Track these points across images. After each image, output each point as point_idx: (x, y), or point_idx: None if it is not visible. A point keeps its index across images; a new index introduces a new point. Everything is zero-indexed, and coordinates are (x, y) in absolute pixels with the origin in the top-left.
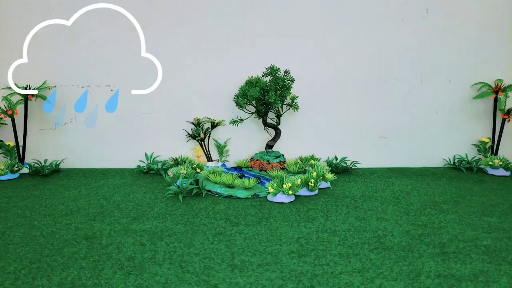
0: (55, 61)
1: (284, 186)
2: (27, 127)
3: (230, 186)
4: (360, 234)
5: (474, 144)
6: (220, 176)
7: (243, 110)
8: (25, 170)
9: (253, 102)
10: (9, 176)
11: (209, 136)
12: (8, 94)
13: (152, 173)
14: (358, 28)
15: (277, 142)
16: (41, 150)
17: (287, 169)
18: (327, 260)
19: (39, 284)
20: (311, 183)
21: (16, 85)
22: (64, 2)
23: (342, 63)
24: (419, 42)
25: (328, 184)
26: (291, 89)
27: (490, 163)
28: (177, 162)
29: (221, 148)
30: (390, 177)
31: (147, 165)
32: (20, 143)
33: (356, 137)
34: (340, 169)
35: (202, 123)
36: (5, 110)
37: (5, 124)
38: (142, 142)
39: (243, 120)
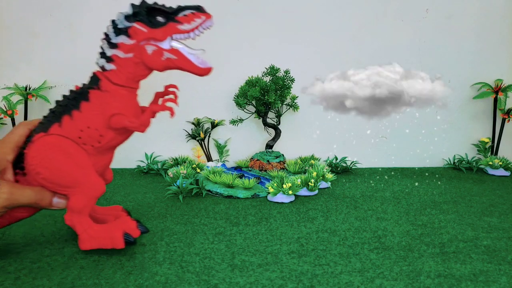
0: (55, 61)
1: (284, 186)
2: None
3: (230, 186)
4: (360, 234)
5: (474, 144)
6: (220, 176)
7: (243, 110)
8: None
9: (253, 102)
10: None
11: (209, 136)
12: (8, 94)
13: (152, 173)
14: (358, 28)
15: (277, 142)
16: None
17: (287, 169)
18: (327, 260)
19: (39, 284)
20: (311, 183)
21: (16, 85)
22: (65, 2)
23: (342, 63)
24: (419, 42)
25: (328, 184)
26: (291, 89)
27: (490, 163)
28: (177, 162)
29: (221, 148)
30: (390, 177)
31: (147, 165)
32: None
33: (356, 137)
34: (340, 169)
35: (202, 123)
36: (5, 110)
37: (5, 124)
38: (142, 142)
39: (243, 120)
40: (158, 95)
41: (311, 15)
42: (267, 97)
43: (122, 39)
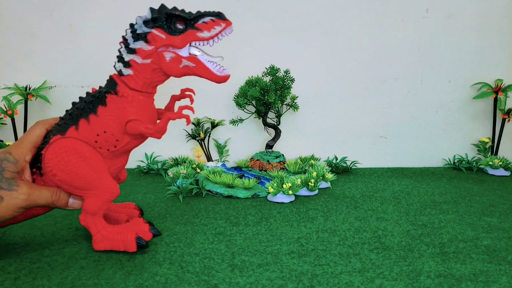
0: (55, 61)
1: (284, 186)
2: (27, 127)
3: (230, 186)
4: (360, 234)
5: (474, 144)
6: (220, 176)
7: (243, 110)
8: None
9: (253, 102)
10: None
11: (209, 136)
12: (8, 94)
13: (152, 173)
14: (358, 28)
15: (277, 142)
16: None
17: (287, 169)
18: (327, 260)
19: (39, 283)
20: (311, 183)
21: (16, 85)
22: (65, 2)
23: (342, 63)
24: (419, 42)
25: (328, 184)
26: (291, 89)
27: (490, 163)
28: (177, 162)
29: (221, 148)
30: (390, 177)
31: (147, 165)
32: None
33: (356, 137)
34: (340, 169)
35: (202, 123)
36: (5, 110)
37: (5, 124)
38: None
39: (243, 120)
40: (175, 98)
41: (311, 15)
42: (267, 97)
43: (140, 45)
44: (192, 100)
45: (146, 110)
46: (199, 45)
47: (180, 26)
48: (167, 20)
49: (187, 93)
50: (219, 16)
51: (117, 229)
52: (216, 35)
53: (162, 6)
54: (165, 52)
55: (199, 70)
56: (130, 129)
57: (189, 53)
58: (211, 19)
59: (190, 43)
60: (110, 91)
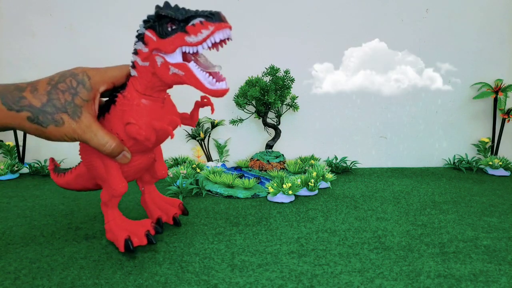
0: (55, 61)
1: (284, 186)
2: None
3: (230, 186)
4: (360, 234)
5: (474, 144)
6: (220, 176)
7: (243, 110)
8: (25, 170)
9: (253, 102)
10: (9, 176)
11: (209, 136)
12: None
13: None
14: (358, 28)
15: (277, 142)
16: (41, 150)
17: (287, 169)
18: (327, 260)
19: (39, 284)
20: (311, 183)
21: None
22: (65, 2)
23: (342, 63)
24: (419, 42)
25: (328, 184)
26: (291, 89)
27: (490, 163)
28: (177, 162)
29: (221, 148)
30: (390, 177)
31: None
32: (20, 143)
33: (356, 137)
34: (340, 169)
35: (202, 123)
36: None
37: None
38: None
39: (243, 120)
40: (198, 105)
41: (311, 15)
42: (267, 97)
43: (140, 46)
44: (212, 110)
45: (147, 115)
46: (189, 51)
47: (170, 28)
48: (158, 21)
49: (206, 100)
50: (210, 17)
51: (122, 225)
52: (204, 40)
53: (166, 4)
54: (156, 56)
55: (189, 79)
56: (128, 131)
57: (178, 60)
58: (199, 21)
59: (182, 48)
60: (120, 91)
